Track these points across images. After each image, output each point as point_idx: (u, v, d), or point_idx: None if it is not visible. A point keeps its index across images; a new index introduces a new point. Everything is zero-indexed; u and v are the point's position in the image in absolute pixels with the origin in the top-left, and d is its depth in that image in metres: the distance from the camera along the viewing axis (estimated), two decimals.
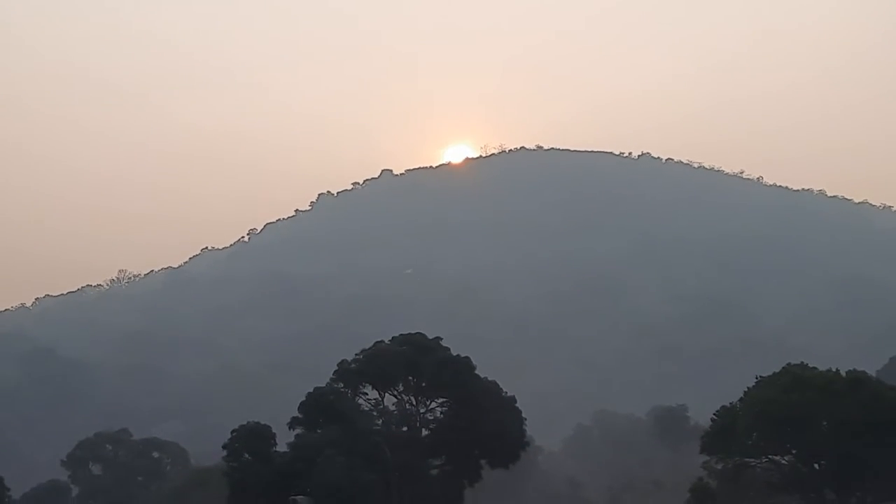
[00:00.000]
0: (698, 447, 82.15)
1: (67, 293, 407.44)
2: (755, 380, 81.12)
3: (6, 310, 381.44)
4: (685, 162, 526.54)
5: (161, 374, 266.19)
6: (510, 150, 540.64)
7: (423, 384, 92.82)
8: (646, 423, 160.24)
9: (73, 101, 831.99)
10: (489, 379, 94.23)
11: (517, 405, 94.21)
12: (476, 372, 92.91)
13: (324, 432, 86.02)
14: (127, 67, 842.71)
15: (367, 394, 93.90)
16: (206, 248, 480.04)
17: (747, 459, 79.00)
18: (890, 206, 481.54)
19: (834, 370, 78.84)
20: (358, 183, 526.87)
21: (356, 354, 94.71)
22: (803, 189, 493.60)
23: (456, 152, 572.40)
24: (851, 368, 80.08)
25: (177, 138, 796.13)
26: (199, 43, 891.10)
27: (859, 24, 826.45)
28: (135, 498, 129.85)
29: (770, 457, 78.56)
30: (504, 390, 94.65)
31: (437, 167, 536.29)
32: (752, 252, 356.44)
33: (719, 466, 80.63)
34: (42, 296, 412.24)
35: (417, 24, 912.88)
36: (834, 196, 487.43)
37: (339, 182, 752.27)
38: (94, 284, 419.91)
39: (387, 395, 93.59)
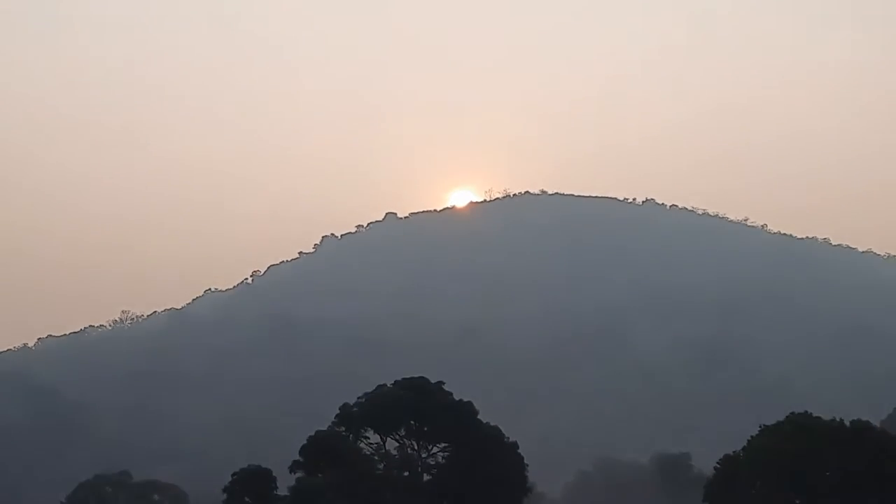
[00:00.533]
0: (701, 496, 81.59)
1: (70, 333, 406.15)
2: (759, 428, 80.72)
3: (8, 350, 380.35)
4: (689, 208, 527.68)
5: (162, 416, 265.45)
6: (514, 195, 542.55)
7: (425, 429, 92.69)
8: (648, 470, 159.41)
9: (80, 144, 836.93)
10: (491, 424, 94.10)
11: (519, 451, 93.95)
12: (478, 417, 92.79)
13: (325, 476, 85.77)
14: (132, 107, 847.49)
15: (368, 437, 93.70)
16: (210, 289, 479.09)
17: None
18: (895, 256, 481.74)
19: (838, 420, 78.47)
20: (362, 226, 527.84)
21: (358, 398, 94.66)
22: (807, 237, 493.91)
23: (460, 196, 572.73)
24: (855, 418, 79.67)
25: (180, 180, 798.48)
26: (203, 80, 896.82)
27: (865, 72, 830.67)
28: None
29: None
30: (506, 436, 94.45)
31: (441, 211, 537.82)
32: (755, 299, 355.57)
33: None
34: (45, 336, 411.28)
35: (422, 67, 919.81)
36: (838, 244, 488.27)
37: (343, 225, 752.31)
38: (96, 325, 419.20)
39: (388, 439, 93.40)
